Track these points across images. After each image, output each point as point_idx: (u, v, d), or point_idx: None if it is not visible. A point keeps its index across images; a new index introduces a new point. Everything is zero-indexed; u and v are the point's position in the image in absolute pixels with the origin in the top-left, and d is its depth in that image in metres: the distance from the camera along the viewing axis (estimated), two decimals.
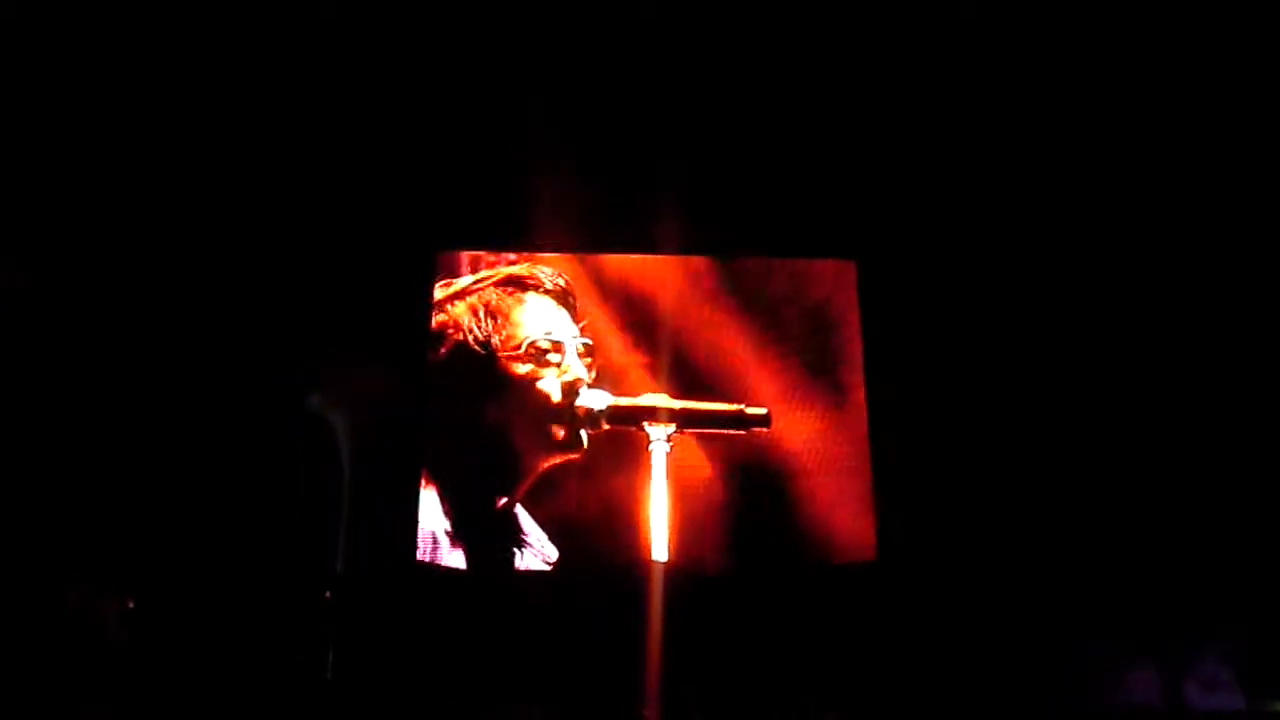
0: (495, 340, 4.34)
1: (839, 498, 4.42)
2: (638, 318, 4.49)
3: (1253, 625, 4.26)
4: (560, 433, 4.27)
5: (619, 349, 4.43)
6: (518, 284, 4.43)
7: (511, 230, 4.62)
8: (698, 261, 4.63)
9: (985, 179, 4.72)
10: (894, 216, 4.70)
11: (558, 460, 4.30)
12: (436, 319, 4.42)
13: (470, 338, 4.35)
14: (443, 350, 4.38)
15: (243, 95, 4.66)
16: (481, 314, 4.37)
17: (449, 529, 4.24)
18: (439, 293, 4.47)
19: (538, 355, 4.31)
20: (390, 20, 4.58)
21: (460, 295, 4.44)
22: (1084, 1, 4.41)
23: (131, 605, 4.23)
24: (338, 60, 4.62)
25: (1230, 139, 4.59)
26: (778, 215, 4.71)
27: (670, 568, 4.22)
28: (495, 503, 4.26)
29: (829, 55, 4.58)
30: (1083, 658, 4.26)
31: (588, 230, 4.64)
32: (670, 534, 4.23)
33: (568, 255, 4.52)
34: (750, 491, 4.40)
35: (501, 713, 4.08)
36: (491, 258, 4.51)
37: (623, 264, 4.56)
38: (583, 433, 4.28)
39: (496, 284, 4.43)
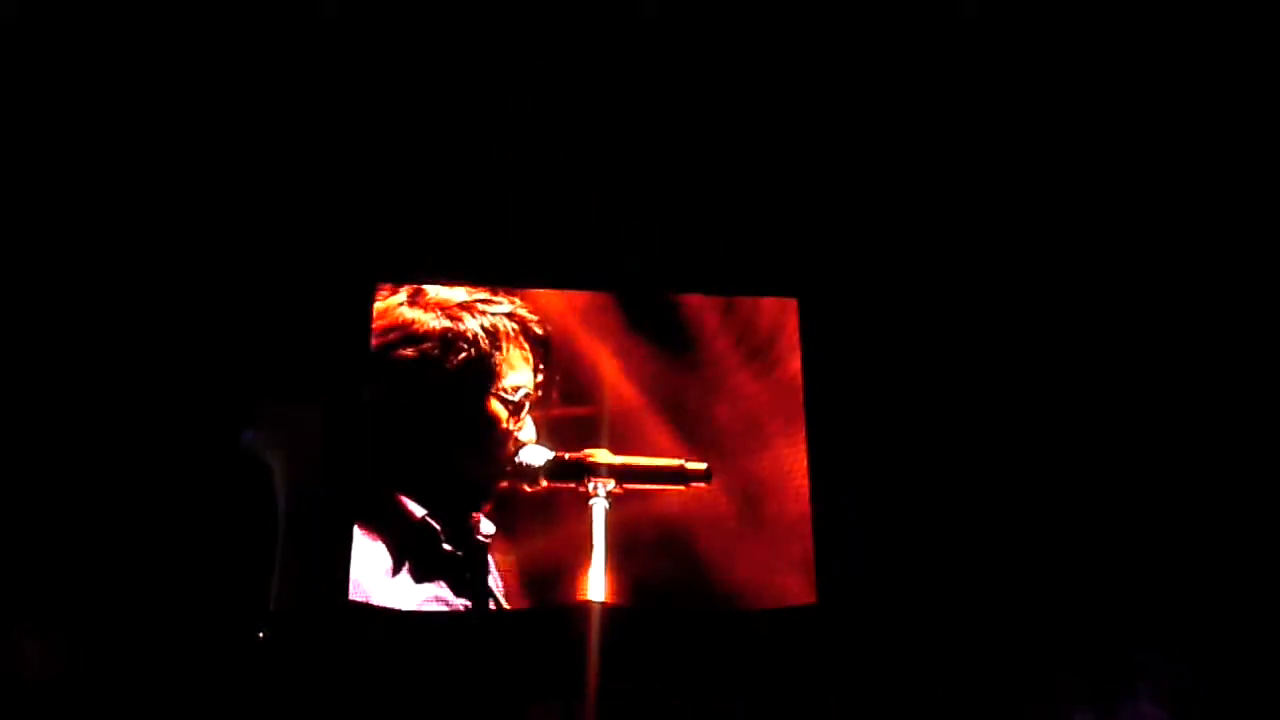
0: (499, 370, 4.22)
1: (779, 539, 4.40)
2: (575, 370, 4.39)
3: (1187, 664, 4.30)
4: (504, 484, 4.23)
5: (556, 402, 4.33)
6: (520, 324, 4.29)
7: (450, 261, 4.50)
8: (635, 305, 4.53)
9: (933, 213, 4.66)
10: (836, 252, 4.63)
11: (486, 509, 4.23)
12: (447, 322, 4.24)
13: (485, 360, 4.22)
14: (451, 361, 4.21)
15: (181, 118, 4.52)
16: (495, 340, 4.23)
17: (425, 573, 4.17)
18: (440, 291, 4.30)
19: (520, 404, 4.23)
20: (327, 44, 4.46)
21: (471, 310, 4.26)
22: (1031, 40, 4.35)
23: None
24: (278, 85, 4.50)
25: (1200, 170, 4.58)
26: (717, 251, 4.63)
27: (609, 615, 4.20)
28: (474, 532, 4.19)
29: (770, 91, 4.47)
30: (1021, 700, 4.29)
31: (525, 263, 4.54)
32: (609, 585, 4.20)
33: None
34: (690, 534, 4.35)
35: None
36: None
37: (559, 313, 4.44)
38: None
39: (504, 314, 4.28)
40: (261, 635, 4.26)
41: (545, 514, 4.28)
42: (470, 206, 4.59)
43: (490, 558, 4.22)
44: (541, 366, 4.30)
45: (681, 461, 4.27)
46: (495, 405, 4.21)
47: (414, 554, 4.14)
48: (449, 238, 4.57)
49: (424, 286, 4.30)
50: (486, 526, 4.21)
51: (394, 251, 4.54)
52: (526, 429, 4.25)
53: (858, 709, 4.25)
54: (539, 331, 4.30)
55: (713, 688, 4.22)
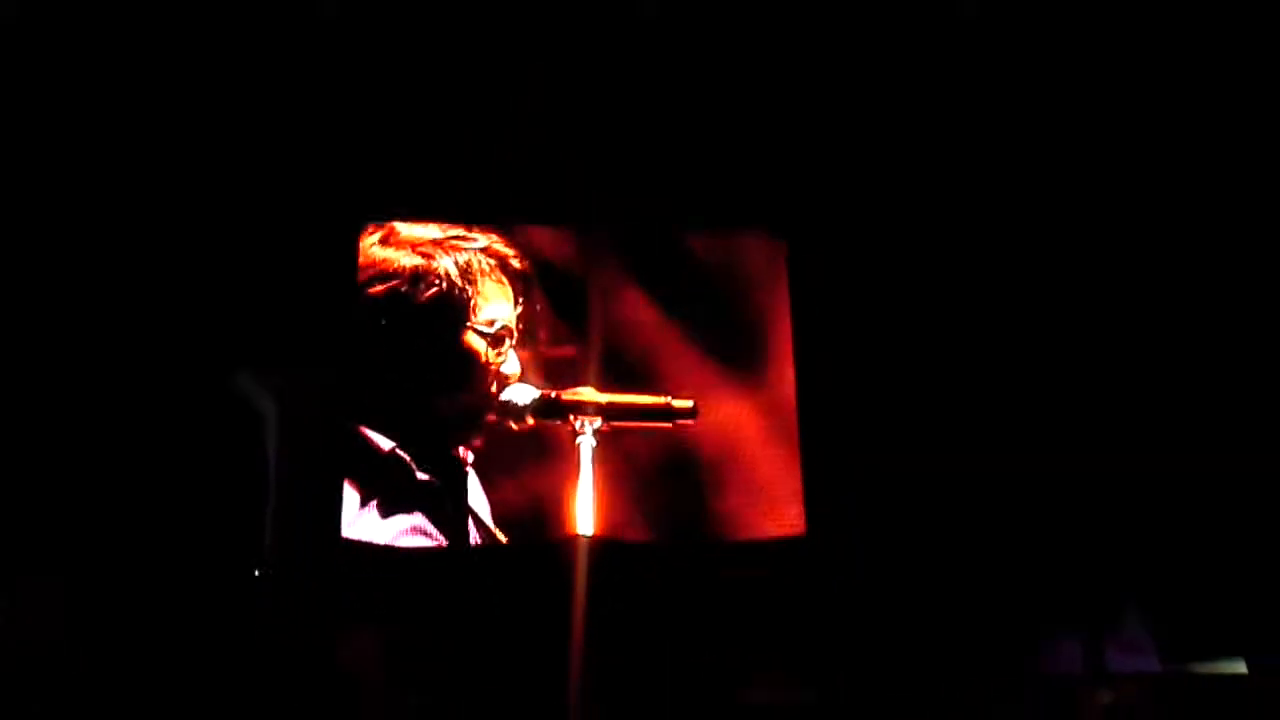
0: (473, 304, 4.24)
1: (768, 473, 4.43)
2: (560, 308, 4.40)
3: (1171, 591, 4.35)
4: (483, 421, 4.25)
5: (543, 341, 4.35)
6: (498, 258, 4.32)
7: (437, 198, 4.50)
8: (623, 243, 4.54)
9: (930, 156, 4.64)
10: (828, 195, 4.62)
11: (466, 448, 4.26)
12: (418, 260, 4.27)
13: (457, 295, 4.23)
14: (422, 295, 4.24)
15: (182, 116, 4.52)
16: (468, 275, 4.25)
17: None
18: (413, 230, 4.33)
19: (500, 337, 4.25)
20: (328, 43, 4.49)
21: (443, 246, 4.29)
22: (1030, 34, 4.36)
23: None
24: (280, 86, 4.50)
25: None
26: (708, 190, 4.62)
27: (596, 548, 4.25)
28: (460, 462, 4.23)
29: (762, 28, 4.45)
30: (1006, 626, 4.34)
31: (512, 201, 4.53)
32: (598, 519, 4.25)
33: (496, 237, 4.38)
34: (679, 469, 4.38)
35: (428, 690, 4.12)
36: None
37: (546, 251, 4.45)
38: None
39: (479, 250, 4.30)
40: (258, 573, 4.31)
41: (532, 451, 4.30)
42: (468, 200, 4.60)
43: (477, 483, 4.25)
44: (521, 300, 4.32)
45: (668, 399, 4.29)
46: (471, 338, 4.24)
47: (384, 487, 4.18)
48: (439, 176, 4.57)
49: (397, 226, 4.33)
50: (468, 457, 4.26)
51: (376, 192, 4.53)
52: (510, 362, 4.27)
53: (845, 640, 4.31)
54: (517, 265, 4.33)
55: (700, 618, 4.27)
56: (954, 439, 4.44)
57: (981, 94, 4.65)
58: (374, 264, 4.28)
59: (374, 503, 4.14)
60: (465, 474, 4.22)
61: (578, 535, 4.21)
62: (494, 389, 4.24)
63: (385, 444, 4.16)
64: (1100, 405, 4.48)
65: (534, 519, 4.28)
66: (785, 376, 4.50)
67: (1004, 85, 4.64)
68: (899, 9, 4.53)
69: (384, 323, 4.22)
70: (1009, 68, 4.62)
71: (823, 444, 4.45)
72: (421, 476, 4.17)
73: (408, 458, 4.17)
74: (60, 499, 4.24)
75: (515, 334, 4.29)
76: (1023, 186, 4.66)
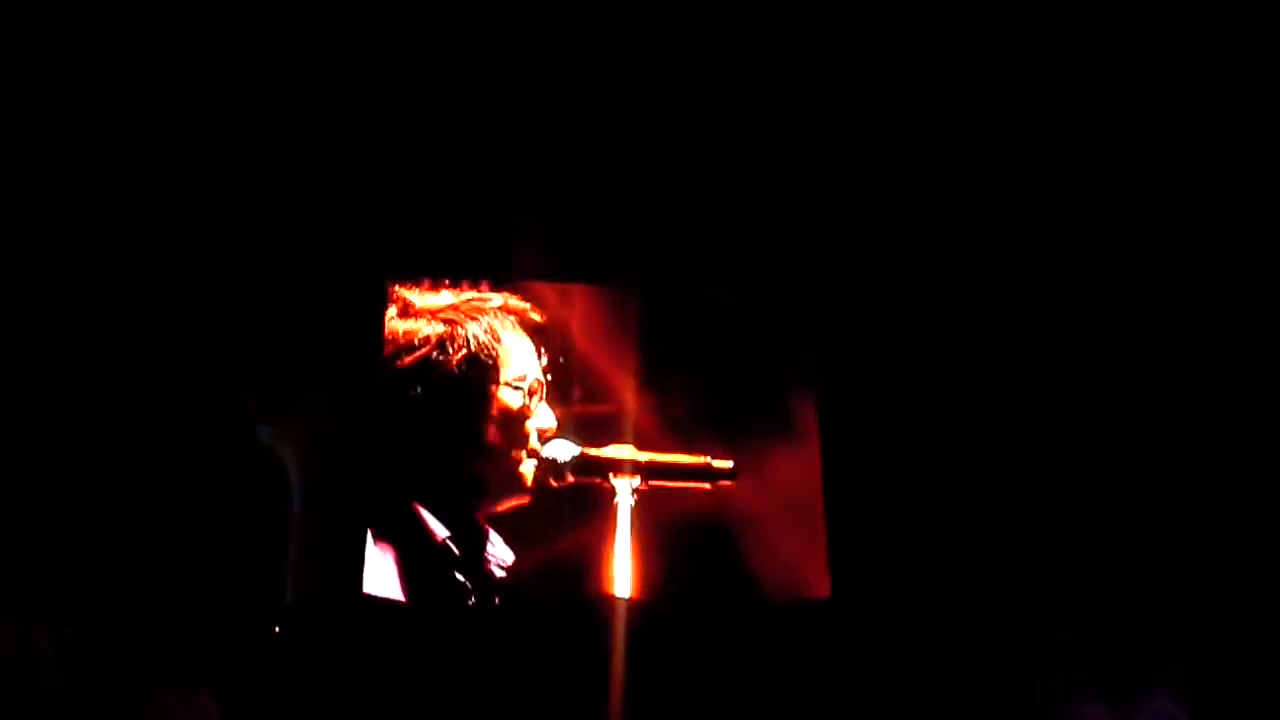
0: (501, 361, 4.19)
1: (793, 534, 4.43)
2: (595, 367, 4.40)
3: (1201, 660, 4.36)
4: (530, 476, 4.19)
5: (577, 398, 4.32)
6: (515, 314, 4.27)
7: (465, 260, 4.49)
8: (652, 300, 4.58)
9: (950, 177, 4.70)
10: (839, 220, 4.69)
11: (513, 505, 4.21)
12: (441, 327, 4.20)
13: (485, 354, 4.16)
14: (452, 360, 4.15)
15: (182, 105, 4.48)
16: (493, 333, 4.19)
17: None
18: (428, 299, 4.27)
19: (532, 391, 4.20)
20: (337, 34, 4.45)
21: (463, 310, 4.23)
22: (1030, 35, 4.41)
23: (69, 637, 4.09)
24: (278, 86, 4.46)
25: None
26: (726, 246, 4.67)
27: (629, 608, 4.22)
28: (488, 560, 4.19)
29: (770, 90, 4.52)
30: (1035, 695, 4.34)
31: (531, 258, 4.55)
32: (634, 580, 4.20)
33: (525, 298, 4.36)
34: (705, 530, 4.35)
35: None
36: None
37: (580, 309, 4.47)
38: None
39: (498, 309, 4.26)
40: (277, 629, 4.24)
41: (564, 510, 4.26)
42: (470, 206, 4.59)
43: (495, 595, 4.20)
44: (544, 352, 4.29)
45: (708, 459, 4.25)
46: (505, 394, 4.19)
47: (430, 583, 4.12)
48: (452, 237, 4.57)
49: (410, 297, 4.27)
50: (504, 553, 4.20)
51: (400, 252, 4.54)
52: (544, 416, 4.22)
53: (870, 700, 4.29)
54: (536, 318, 4.29)
55: (733, 678, 4.26)
56: (986, 503, 4.49)
57: (981, 119, 4.72)
58: (397, 337, 4.21)
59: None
60: (491, 583, 4.17)
61: (614, 596, 4.16)
62: (533, 445, 4.18)
63: (441, 532, 4.09)
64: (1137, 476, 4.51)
65: (568, 578, 4.24)
66: (811, 437, 4.51)
67: (1009, 105, 4.71)
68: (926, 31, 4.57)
69: (418, 391, 4.15)
70: (1021, 89, 4.69)
71: (848, 502, 4.47)
72: (459, 578, 4.10)
73: (456, 551, 4.09)
74: (79, 548, 4.19)
75: (544, 387, 4.24)
76: (1034, 207, 4.73)
